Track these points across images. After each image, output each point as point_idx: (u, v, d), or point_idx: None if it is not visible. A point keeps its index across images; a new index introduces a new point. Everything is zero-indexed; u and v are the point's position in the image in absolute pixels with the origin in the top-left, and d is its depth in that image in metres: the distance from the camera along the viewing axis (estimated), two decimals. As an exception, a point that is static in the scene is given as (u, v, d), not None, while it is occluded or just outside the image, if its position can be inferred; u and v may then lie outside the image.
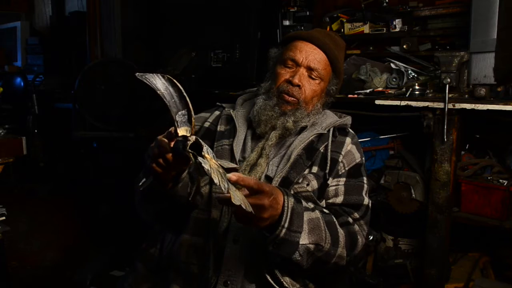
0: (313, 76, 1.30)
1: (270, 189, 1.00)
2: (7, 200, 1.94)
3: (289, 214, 1.03)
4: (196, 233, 1.20)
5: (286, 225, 1.02)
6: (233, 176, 0.90)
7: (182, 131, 0.94)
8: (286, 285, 1.15)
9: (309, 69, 1.29)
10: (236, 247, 1.16)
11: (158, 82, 0.94)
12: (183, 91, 0.95)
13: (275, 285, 1.14)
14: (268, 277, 1.14)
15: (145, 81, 0.94)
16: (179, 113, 0.94)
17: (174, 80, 0.94)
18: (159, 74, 0.95)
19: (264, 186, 0.98)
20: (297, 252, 1.06)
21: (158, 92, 0.93)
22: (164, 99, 0.94)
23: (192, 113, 0.95)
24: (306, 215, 1.08)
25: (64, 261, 2.65)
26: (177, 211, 1.19)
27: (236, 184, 0.92)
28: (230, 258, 1.16)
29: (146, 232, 1.40)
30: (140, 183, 1.13)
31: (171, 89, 0.94)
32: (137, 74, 0.95)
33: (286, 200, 1.03)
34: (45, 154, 3.55)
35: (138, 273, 1.33)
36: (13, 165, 2.25)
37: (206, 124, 1.36)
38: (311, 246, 1.07)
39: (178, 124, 0.94)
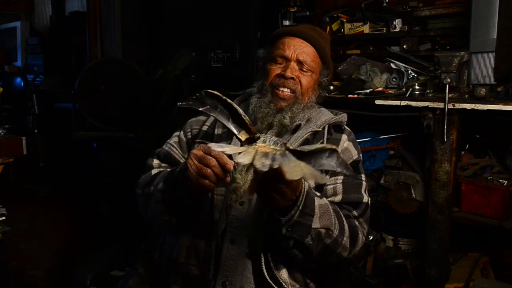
0: (304, 69, 1.31)
1: None
2: (7, 200, 1.93)
3: (304, 197, 1.03)
4: (196, 234, 1.20)
5: (300, 207, 1.03)
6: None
7: (243, 136, 0.92)
8: (285, 285, 1.15)
9: (299, 62, 1.30)
10: (233, 247, 1.16)
11: (197, 102, 0.93)
12: (222, 97, 0.93)
13: (273, 285, 1.14)
14: (267, 277, 1.13)
15: (188, 107, 0.93)
16: (230, 119, 0.94)
17: (210, 91, 0.93)
18: (196, 94, 0.93)
19: None
20: (309, 235, 1.06)
21: (201, 109, 0.92)
22: (210, 114, 0.93)
23: (241, 111, 0.92)
24: (317, 201, 1.08)
25: (64, 261, 2.65)
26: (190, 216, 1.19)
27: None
28: (227, 258, 1.16)
29: (146, 232, 1.40)
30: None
31: (211, 100, 0.93)
32: (179, 104, 0.95)
33: (302, 183, 1.03)
34: (45, 154, 3.55)
35: (139, 276, 1.33)
36: (13, 165, 2.24)
37: (204, 128, 1.36)
38: (322, 230, 1.08)
39: (236, 130, 0.93)
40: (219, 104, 0.93)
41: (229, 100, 0.94)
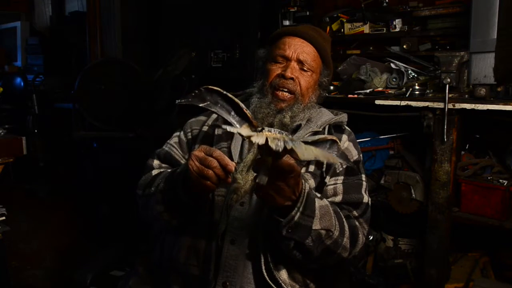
0: (304, 69, 1.31)
1: (299, 168, 1.00)
2: (7, 200, 1.93)
3: (304, 198, 1.03)
4: (196, 235, 1.20)
5: (300, 209, 1.03)
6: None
7: (244, 130, 0.91)
8: (285, 286, 1.15)
9: (300, 62, 1.30)
10: (234, 248, 1.16)
11: (196, 98, 0.92)
12: (223, 91, 0.92)
13: (273, 285, 1.14)
14: (266, 277, 1.13)
15: (187, 103, 0.92)
16: (232, 113, 0.92)
17: (210, 87, 0.92)
18: (195, 91, 0.92)
19: (295, 166, 0.97)
20: (310, 237, 1.06)
21: (201, 105, 0.91)
22: (211, 109, 0.92)
23: (242, 105, 0.92)
24: (317, 202, 1.08)
25: (64, 261, 2.65)
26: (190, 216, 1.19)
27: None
28: (228, 259, 1.16)
29: (146, 232, 1.40)
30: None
31: (211, 96, 0.92)
32: (178, 101, 0.94)
33: (303, 184, 1.03)
34: (45, 154, 3.55)
35: (139, 276, 1.33)
36: (13, 165, 2.24)
37: (205, 128, 1.36)
38: (323, 232, 1.08)
39: (237, 124, 0.91)
40: (220, 99, 0.92)
41: (229, 95, 0.93)
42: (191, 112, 1.41)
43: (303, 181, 1.03)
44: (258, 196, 1.00)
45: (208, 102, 0.91)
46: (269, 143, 0.80)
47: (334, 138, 0.90)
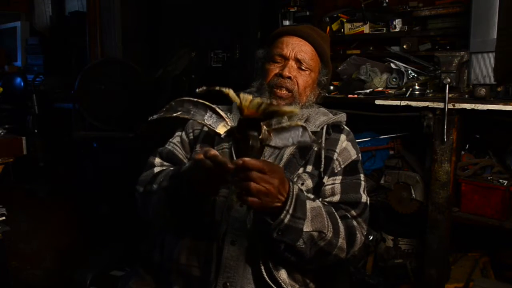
0: (302, 68, 1.31)
1: (280, 168, 1.00)
2: (7, 200, 1.93)
3: (293, 200, 1.03)
4: (197, 235, 1.19)
5: (290, 211, 1.02)
6: (239, 161, 0.91)
7: (221, 129, 0.93)
8: (284, 286, 1.14)
9: (297, 60, 1.30)
10: (234, 249, 1.16)
11: (168, 112, 0.93)
12: (193, 99, 0.94)
13: (273, 286, 1.14)
14: (266, 277, 1.13)
15: (160, 117, 0.94)
16: (205, 116, 0.94)
17: (180, 99, 0.94)
18: (166, 106, 0.94)
19: (274, 165, 0.98)
20: (301, 239, 1.06)
21: (174, 115, 0.93)
22: (184, 117, 0.94)
23: (214, 106, 0.94)
24: (309, 204, 1.08)
25: (64, 261, 2.65)
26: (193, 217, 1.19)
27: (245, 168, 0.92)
28: (228, 260, 1.16)
29: (146, 232, 1.40)
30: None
31: (182, 106, 0.94)
32: (150, 118, 0.95)
33: (291, 186, 1.03)
34: (45, 154, 3.55)
35: (139, 276, 1.32)
36: (13, 165, 2.24)
37: (206, 128, 1.36)
38: (315, 233, 1.07)
39: (213, 125, 0.93)
40: (191, 107, 0.94)
41: (200, 100, 0.94)
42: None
43: (290, 183, 1.03)
44: (243, 201, 0.96)
45: (180, 112, 0.94)
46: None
47: (303, 124, 0.94)
